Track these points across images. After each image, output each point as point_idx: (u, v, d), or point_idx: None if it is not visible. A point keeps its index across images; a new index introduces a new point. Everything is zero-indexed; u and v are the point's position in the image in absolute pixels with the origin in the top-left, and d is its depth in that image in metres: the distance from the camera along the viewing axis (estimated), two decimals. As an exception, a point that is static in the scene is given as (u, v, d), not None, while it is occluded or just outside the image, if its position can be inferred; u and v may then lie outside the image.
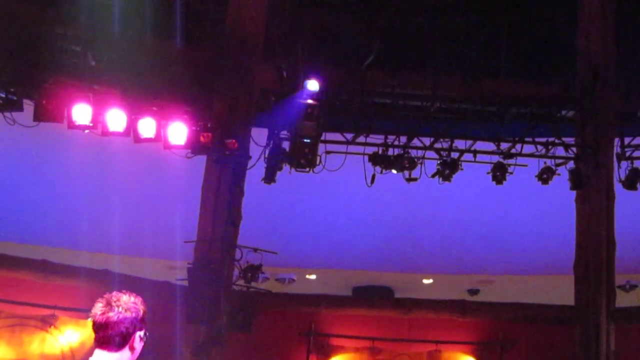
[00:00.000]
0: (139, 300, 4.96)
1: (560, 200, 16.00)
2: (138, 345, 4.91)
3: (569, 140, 15.90)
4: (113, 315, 4.82)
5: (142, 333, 4.93)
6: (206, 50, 15.88)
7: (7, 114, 13.46)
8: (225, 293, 14.95)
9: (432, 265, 20.52)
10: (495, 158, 15.55)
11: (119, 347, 4.85)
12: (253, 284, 16.66)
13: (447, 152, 15.54)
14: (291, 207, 18.96)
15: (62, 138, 15.13)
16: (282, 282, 21.39)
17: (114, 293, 4.92)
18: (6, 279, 15.63)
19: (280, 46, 15.57)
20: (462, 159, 15.57)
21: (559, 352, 16.44)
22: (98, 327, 4.84)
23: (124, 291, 4.96)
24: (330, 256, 20.32)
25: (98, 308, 4.84)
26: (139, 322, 4.91)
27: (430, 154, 15.65)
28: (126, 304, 4.87)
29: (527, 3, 16.61)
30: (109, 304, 4.84)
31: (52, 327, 15.78)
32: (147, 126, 13.74)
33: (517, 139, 15.63)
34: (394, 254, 19.64)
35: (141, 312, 4.93)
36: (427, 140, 15.70)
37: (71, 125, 13.45)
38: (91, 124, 13.46)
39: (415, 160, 15.51)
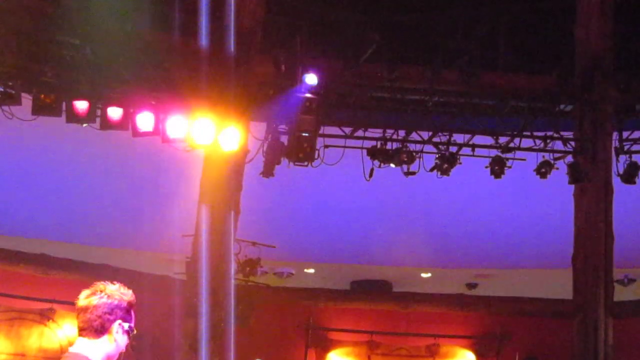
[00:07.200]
0: (128, 292, 4.87)
1: (558, 194, 15.99)
2: (120, 337, 4.81)
3: (567, 134, 15.89)
4: (94, 299, 4.75)
5: (125, 325, 4.82)
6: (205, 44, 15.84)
7: (6, 108, 13.43)
8: (224, 287, 14.93)
9: (430, 259, 20.52)
10: (494, 152, 15.55)
11: (97, 333, 4.76)
12: (251, 277, 16.70)
13: (445, 146, 15.54)
14: (289, 201, 18.96)
15: (60, 132, 15.11)
16: (281, 276, 21.37)
17: (105, 282, 4.84)
18: (5, 273, 15.65)
19: (279, 39, 15.54)
20: (461, 153, 15.56)
21: (557, 346, 16.46)
22: (79, 312, 4.78)
23: (116, 282, 4.88)
24: (329, 250, 20.31)
25: (83, 294, 4.80)
26: (121, 311, 4.80)
27: (429, 147, 15.64)
28: (111, 291, 4.79)
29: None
30: (94, 290, 4.79)
31: (51, 320, 15.79)
32: (145, 120, 13.73)
33: (515, 132, 15.61)
34: (392, 248, 19.63)
35: (125, 302, 4.83)
36: (425, 134, 15.69)
37: (70, 119, 13.46)
38: (89, 118, 13.47)
39: (414, 154, 15.51)
